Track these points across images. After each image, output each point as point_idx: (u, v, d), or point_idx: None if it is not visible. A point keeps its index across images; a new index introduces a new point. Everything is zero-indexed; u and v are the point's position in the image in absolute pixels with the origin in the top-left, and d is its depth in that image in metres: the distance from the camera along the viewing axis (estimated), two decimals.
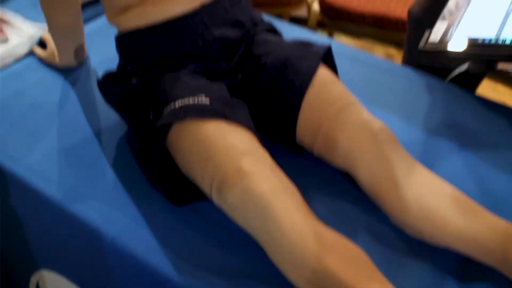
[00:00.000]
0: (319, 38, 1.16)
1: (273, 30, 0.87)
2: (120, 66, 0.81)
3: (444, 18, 0.86)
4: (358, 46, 2.67)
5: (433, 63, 0.98)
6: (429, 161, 0.79)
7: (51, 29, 0.91)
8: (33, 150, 0.82)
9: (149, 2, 0.76)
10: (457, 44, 0.82)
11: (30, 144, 0.84)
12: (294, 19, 2.75)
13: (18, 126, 0.88)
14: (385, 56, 2.61)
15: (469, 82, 1.03)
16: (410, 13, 1.25)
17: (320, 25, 2.22)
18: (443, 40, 0.82)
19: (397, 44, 2.14)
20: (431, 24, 0.91)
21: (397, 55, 2.61)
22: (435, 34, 0.84)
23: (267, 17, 1.12)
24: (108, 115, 0.89)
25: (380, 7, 2.01)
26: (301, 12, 2.32)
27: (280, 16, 2.70)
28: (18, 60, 1.04)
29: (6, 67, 1.02)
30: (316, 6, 2.19)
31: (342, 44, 1.12)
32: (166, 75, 0.74)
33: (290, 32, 1.09)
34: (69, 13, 0.87)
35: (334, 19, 2.11)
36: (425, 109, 0.93)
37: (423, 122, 0.90)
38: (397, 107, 0.93)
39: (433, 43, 0.83)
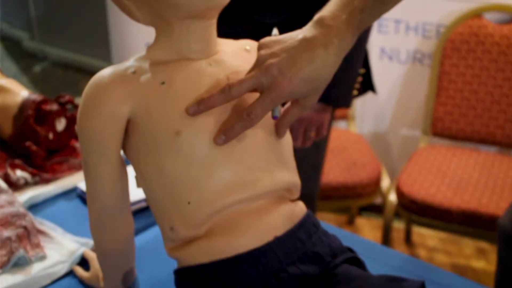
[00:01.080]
0: (397, 256, 1.19)
1: (356, 261, 0.91)
2: None
3: None
4: (443, 239, 2.68)
5: None
6: None
7: (98, 252, 0.98)
8: None
9: (216, 234, 0.83)
10: None
11: None
12: (367, 207, 2.82)
13: None
14: (475, 252, 2.60)
15: None
16: (499, 226, 1.26)
17: (398, 215, 2.26)
18: None
19: (490, 238, 2.14)
20: None
21: (491, 251, 2.59)
22: None
23: (338, 231, 1.17)
24: None
25: (470, 202, 2.05)
26: (376, 198, 2.38)
27: (348, 208, 2.78)
28: (56, 281, 1.10)
29: None
30: (393, 196, 2.25)
31: (434, 268, 1.15)
32: None
33: (359, 245, 1.13)
34: (122, 239, 0.94)
35: (414, 213, 2.15)
36: None
37: None
38: None
39: None
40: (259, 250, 0.82)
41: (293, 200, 0.91)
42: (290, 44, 0.84)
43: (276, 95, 0.82)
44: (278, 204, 0.87)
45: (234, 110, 0.85)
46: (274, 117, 0.86)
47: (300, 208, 0.90)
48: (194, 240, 0.84)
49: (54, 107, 1.51)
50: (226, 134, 0.82)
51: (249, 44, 0.95)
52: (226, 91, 0.82)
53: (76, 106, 1.54)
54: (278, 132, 0.88)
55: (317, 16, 0.86)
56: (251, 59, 0.89)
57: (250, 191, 0.84)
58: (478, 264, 2.56)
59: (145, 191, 0.87)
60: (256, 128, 0.86)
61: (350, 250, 0.94)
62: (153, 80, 0.84)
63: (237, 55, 0.90)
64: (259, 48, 0.86)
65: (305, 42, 0.83)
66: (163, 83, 0.83)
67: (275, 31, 0.97)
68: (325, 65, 0.83)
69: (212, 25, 0.88)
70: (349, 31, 0.85)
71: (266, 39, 0.87)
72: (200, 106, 0.82)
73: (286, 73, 0.82)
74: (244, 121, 0.82)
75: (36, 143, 1.46)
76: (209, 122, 0.82)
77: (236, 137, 0.83)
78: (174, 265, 0.88)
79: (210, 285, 0.82)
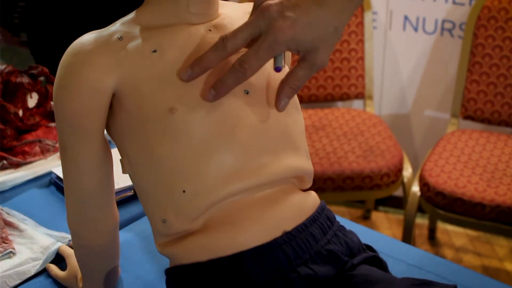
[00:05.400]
0: (421, 255, 1.19)
1: (377, 261, 0.91)
2: None
3: None
4: (473, 238, 2.68)
5: None
6: None
7: (76, 248, 0.97)
8: None
9: (214, 228, 0.82)
10: None
11: None
12: (385, 200, 2.83)
13: None
14: (510, 253, 2.60)
15: None
16: None
17: (421, 209, 2.26)
18: None
19: None
20: None
21: None
22: None
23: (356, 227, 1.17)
24: None
25: (506, 196, 2.05)
26: (396, 190, 2.38)
27: (364, 200, 2.78)
28: (27, 280, 1.10)
29: None
30: (416, 188, 2.25)
31: (463, 269, 1.15)
32: None
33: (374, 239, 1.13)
34: (104, 233, 0.94)
35: (440, 208, 2.15)
36: None
37: None
38: None
39: None
40: (265, 247, 0.82)
41: (304, 190, 0.90)
42: None
43: (274, 40, 0.78)
44: (287, 194, 0.87)
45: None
46: (276, 69, 0.82)
47: (313, 199, 0.90)
48: (189, 235, 0.83)
49: (25, 79, 1.50)
50: (216, 88, 0.80)
51: None
52: (220, 46, 0.80)
53: (51, 79, 1.54)
54: (277, 101, 0.83)
55: None
56: None
57: (255, 179, 0.83)
58: None
59: (133, 178, 0.87)
60: (263, 105, 0.85)
61: (369, 248, 0.94)
62: (143, 48, 0.83)
63: (241, 19, 0.89)
64: None
65: None
66: (154, 51, 0.83)
67: None
68: (336, 9, 0.80)
69: None
70: None
71: None
72: (194, 69, 0.81)
73: (288, 15, 0.78)
74: (236, 73, 0.80)
75: (4, 122, 1.45)
76: None
77: (227, 93, 0.81)
78: (165, 263, 0.88)
79: (207, 286, 0.82)
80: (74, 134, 0.85)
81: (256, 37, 0.80)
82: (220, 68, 0.83)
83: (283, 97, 0.83)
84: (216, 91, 0.80)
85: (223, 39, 0.80)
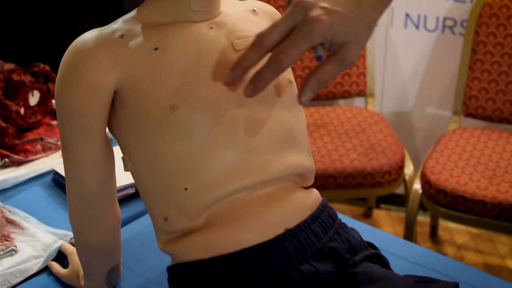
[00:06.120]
0: (423, 252, 1.19)
1: (379, 258, 0.91)
2: None
3: None
4: (475, 236, 2.68)
5: None
6: None
7: (78, 246, 0.98)
8: None
9: (216, 226, 0.83)
10: None
11: None
12: (387, 197, 2.82)
13: None
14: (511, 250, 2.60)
15: None
16: None
17: (422, 207, 2.26)
18: None
19: None
20: None
21: None
22: None
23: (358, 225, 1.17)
24: None
25: (507, 193, 2.05)
26: (397, 187, 2.37)
27: (365, 198, 2.78)
28: (29, 278, 1.10)
29: None
30: (417, 185, 2.25)
31: (465, 267, 1.15)
32: None
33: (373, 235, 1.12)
34: (106, 231, 0.94)
35: (442, 205, 2.14)
36: None
37: None
38: None
39: None
40: (266, 244, 0.82)
41: (306, 188, 0.90)
42: None
43: (310, 29, 0.76)
44: (289, 191, 0.87)
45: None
46: (317, 58, 0.79)
47: (315, 197, 0.90)
48: (191, 233, 0.83)
49: (27, 77, 1.50)
50: (254, 83, 0.78)
51: (256, 6, 0.94)
52: (258, 44, 0.78)
53: (52, 77, 1.53)
54: (301, 94, 0.80)
55: None
56: (260, 22, 0.88)
57: (256, 176, 0.84)
58: None
59: (134, 176, 0.87)
60: (265, 103, 0.85)
61: (371, 245, 0.94)
62: (145, 46, 0.83)
63: (242, 17, 0.89)
64: None
65: None
66: (156, 49, 0.83)
67: None
68: (368, 4, 0.79)
69: None
70: None
71: None
72: (236, 72, 0.79)
73: (323, 5, 0.77)
74: (272, 65, 0.77)
75: (6, 120, 1.45)
76: (210, 94, 0.82)
77: (266, 86, 0.78)
78: (167, 261, 0.88)
79: (210, 285, 0.82)
80: (76, 132, 0.85)
81: (293, 30, 0.78)
82: (224, 65, 0.82)
83: (308, 89, 0.80)
84: (254, 85, 0.78)
85: (260, 36, 0.78)
